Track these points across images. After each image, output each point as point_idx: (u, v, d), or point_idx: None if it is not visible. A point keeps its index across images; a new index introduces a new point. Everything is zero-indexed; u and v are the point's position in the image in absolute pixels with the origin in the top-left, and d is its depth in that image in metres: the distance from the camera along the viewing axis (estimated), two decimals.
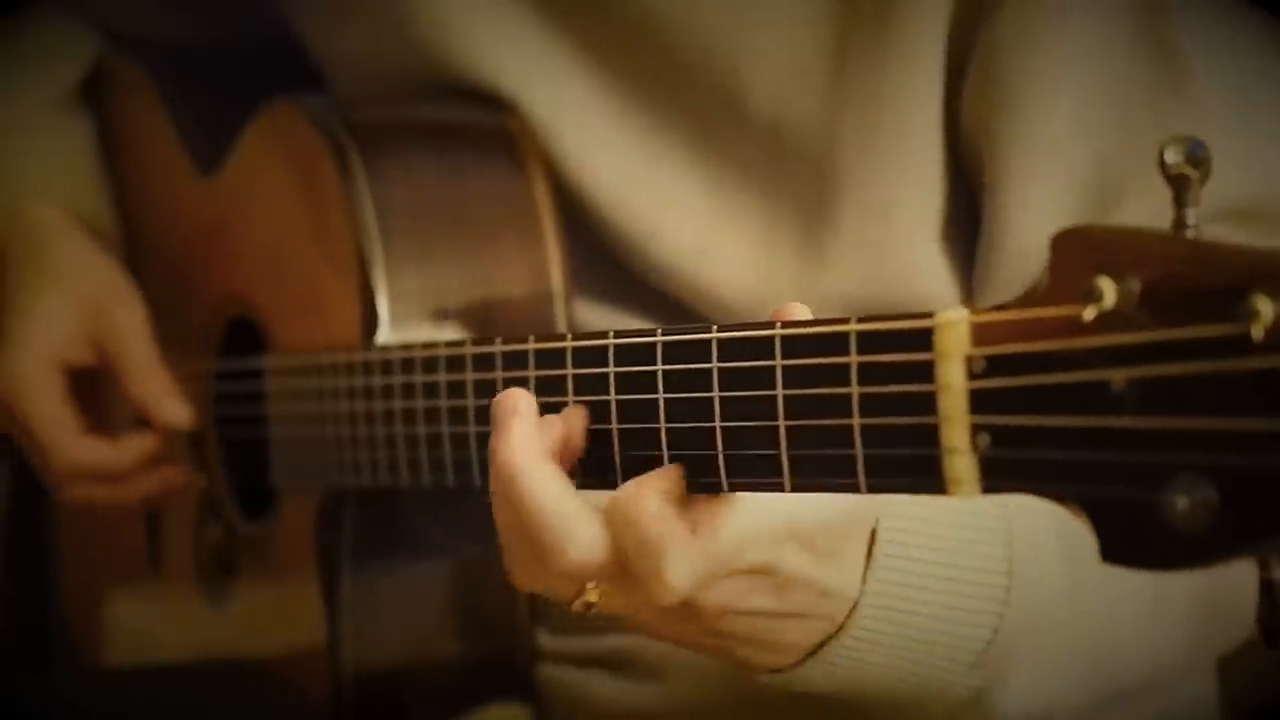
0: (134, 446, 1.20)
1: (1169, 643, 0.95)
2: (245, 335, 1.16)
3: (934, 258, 0.99)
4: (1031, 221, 0.93)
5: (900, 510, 0.81)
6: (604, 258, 1.07)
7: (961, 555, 0.83)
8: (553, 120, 1.06)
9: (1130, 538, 0.60)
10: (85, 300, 1.21)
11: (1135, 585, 0.91)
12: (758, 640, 0.81)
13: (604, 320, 1.07)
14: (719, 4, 1.00)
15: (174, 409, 1.19)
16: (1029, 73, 0.93)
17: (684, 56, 1.01)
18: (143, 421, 1.21)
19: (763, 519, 0.76)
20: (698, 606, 0.77)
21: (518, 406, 0.78)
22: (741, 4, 0.99)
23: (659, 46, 1.02)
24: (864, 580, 0.80)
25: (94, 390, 1.23)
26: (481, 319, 1.03)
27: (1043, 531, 0.86)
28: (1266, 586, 0.60)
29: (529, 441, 0.77)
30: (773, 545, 0.76)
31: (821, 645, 0.81)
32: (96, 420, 1.22)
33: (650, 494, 0.74)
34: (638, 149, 1.04)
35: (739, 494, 0.75)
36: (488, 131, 1.07)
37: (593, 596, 0.78)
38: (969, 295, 0.98)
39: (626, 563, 0.75)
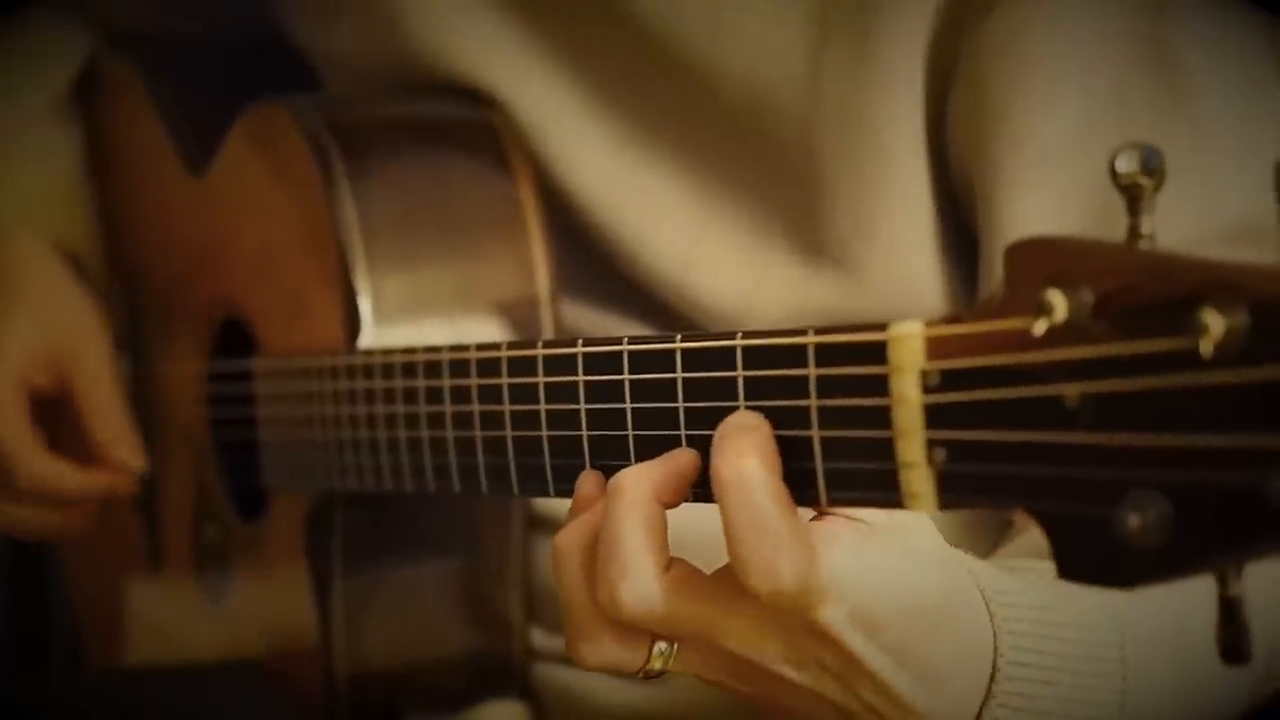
0: (92, 478, 1.20)
1: None
2: (238, 337, 1.16)
3: (922, 272, 0.96)
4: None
5: (1020, 657, 0.75)
6: (592, 261, 1.06)
7: (1079, 690, 0.77)
8: (538, 123, 1.05)
9: (1086, 555, 0.59)
10: (52, 327, 1.22)
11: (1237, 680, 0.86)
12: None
13: (591, 323, 1.06)
14: (698, 12, 0.98)
15: (131, 454, 1.20)
16: (1019, 81, 0.89)
17: (666, 63, 1.00)
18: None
19: (866, 588, 0.68)
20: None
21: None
22: (720, 12, 0.97)
23: (642, 52, 1.00)
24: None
25: (53, 420, 1.23)
26: (466, 320, 1.02)
27: (1154, 643, 0.80)
28: (1225, 604, 0.58)
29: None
30: (866, 621, 0.69)
31: None
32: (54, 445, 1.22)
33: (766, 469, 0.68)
34: (623, 154, 1.03)
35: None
36: (472, 130, 1.06)
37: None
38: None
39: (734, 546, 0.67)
